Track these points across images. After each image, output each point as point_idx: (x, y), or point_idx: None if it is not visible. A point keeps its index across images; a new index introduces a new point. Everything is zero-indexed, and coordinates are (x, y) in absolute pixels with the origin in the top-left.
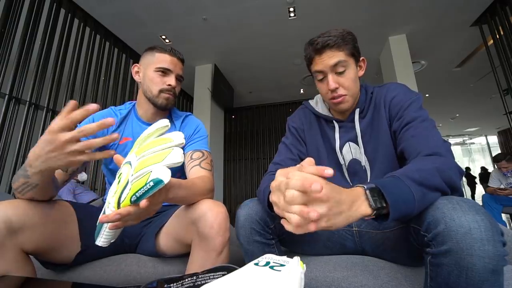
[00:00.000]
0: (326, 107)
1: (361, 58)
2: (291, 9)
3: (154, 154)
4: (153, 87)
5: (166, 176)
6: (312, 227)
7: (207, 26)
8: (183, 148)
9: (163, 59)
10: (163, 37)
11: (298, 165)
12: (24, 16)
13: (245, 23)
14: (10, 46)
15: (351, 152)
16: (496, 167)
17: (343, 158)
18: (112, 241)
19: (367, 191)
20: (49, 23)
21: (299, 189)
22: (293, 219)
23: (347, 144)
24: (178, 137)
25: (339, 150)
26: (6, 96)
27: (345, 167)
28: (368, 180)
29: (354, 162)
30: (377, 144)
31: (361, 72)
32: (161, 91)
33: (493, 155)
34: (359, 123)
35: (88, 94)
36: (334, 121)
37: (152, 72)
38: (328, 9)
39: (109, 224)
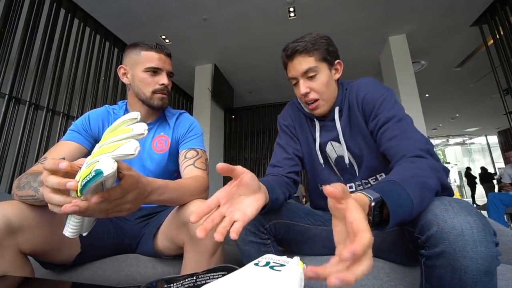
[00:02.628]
0: None
1: (336, 61)
2: (291, 9)
3: (110, 144)
4: (145, 89)
5: (107, 168)
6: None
7: (207, 26)
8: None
9: (151, 58)
10: (163, 37)
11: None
12: (24, 16)
13: (245, 23)
14: (10, 46)
15: (334, 150)
16: (508, 162)
17: (328, 156)
18: (84, 233)
19: (372, 205)
20: (49, 23)
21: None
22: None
23: (329, 143)
24: (138, 128)
25: (318, 149)
26: (6, 96)
27: (333, 164)
28: (357, 174)
29: (340, 160)
30: (359, 141)
31: (337, 75)
32: (154, 91)
33: (493, 155)
34: (339, 121)
35: (88, 94)
36: (315, 119)
37: (142, 73)
38: (328, 9)
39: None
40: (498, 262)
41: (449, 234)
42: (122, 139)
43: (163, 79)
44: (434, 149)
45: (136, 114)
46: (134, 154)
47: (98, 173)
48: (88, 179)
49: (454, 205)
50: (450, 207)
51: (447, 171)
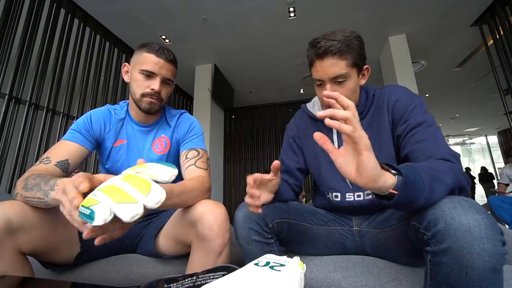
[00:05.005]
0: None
1: (365, 67)
2: (291, 9)
3: (126, 188)
4: (136, 90)
5: (98, 219)
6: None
7: (207, 26)
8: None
9: (149, 60)
10: (163, 37)
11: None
12: (24, 16)
13: (245, 23)
14: (10, 46)
15: None
16: (507, 162)
17: None
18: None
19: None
20: (49, 23)
21: None
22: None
23: None
24: (154, 197)
25: None
26: (6, 96)
27: None
28: None
29: None
30: (378, 146)
31: (363, 81)
32: (143, 95)
33: (493, 155)
34: None
35: (88, 94)
36: None
37: (137, 74)
38: (328, 9)
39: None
40: (504, 260)
41: (456, 230)
42: (135, 195)
43: (155, 84)
44: (460, 158)
45: (173, 173)
46: (126, 219)
47: (89, 217)
48: (83, 213)
49: (462, 203)
50: (459, 205)
51: (468, 180)
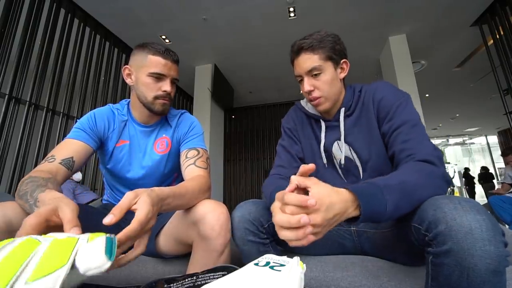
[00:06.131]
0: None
1: (342, 61)
2: (291, 9)
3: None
4: (147, 93)
5: None
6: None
7: (207, 26)
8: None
9: (157, 63)
10: (163, 37)
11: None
12: (24, 16)
13: (245, 23)
14: (10, 46)
15: (340, 150)
16: (507, 163)
17: (334, 157)
18: None
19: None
20: (49, 23)
21: (296, 204)
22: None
23: (335, 143)
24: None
25: (323, 149)
26: (6, 96)
27: (337, 165)
28: (361, 177)
29: (346, 160)
30: (367, 142)
31: (343, 75)
32: (156, 97)
33: (493, 155)
34: (345, 121)
35: (88, 94)
36: (321, 120)
37: (146, 77)
38: (328, 9)
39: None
40: (507, 262)
41: (458, 232)
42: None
43: (166, 86)
44: (442, 156)
45: (98, 266)
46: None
47: None
48: None
49: (463, 204)
50: (460, 206)
51: (449, 181)
